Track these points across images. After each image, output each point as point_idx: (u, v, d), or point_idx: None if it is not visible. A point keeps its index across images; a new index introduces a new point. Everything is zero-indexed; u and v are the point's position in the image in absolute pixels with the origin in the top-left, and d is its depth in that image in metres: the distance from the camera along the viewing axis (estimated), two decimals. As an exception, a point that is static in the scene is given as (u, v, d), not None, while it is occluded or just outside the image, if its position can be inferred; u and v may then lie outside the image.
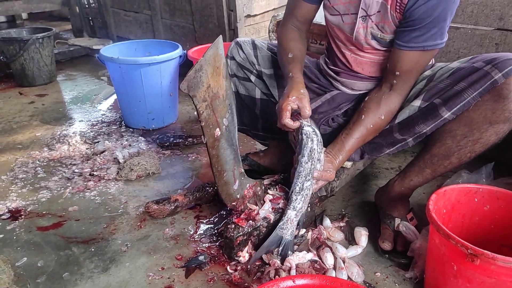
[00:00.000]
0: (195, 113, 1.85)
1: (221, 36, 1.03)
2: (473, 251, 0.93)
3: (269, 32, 2.39)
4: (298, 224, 1.30)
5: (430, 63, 1.38)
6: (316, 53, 2.29)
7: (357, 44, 1.32)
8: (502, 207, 1.16)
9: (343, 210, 1.58)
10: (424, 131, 1.22)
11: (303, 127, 1.23)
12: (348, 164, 1.52)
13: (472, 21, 1.72)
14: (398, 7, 1.15)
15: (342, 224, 1.46)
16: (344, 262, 1.27)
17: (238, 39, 1.52)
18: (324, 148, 1.28)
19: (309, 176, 1.23)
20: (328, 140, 1.49)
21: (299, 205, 1.25)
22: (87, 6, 4.07)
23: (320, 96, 1.46)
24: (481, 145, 1.16)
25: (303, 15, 1.40)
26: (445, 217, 1.19)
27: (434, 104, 1.17)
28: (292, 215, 1.25)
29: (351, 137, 1.29)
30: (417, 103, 1.22)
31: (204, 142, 1.09)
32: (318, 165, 1.25)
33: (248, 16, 2.79)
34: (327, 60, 1.50)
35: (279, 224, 1.26)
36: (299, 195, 1.25)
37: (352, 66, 1.39)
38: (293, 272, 1.21)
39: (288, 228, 1.25)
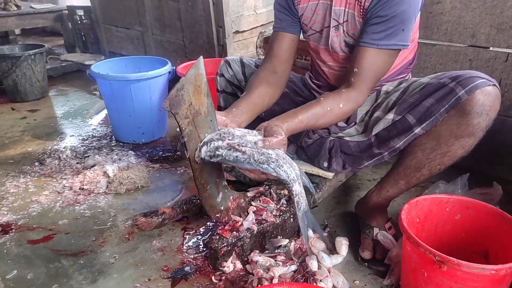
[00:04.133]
0: (177, 129, 1.92)
1: (201, 56, 1.09)
2: (440, 258, 0.99)
3: (256, 48, 2.47)
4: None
5: (407, 77, 1.46)
6: (301, 68, 2.37)
7: (334, 55, 1.41)
8: (472, 216, 1.22)
9: (325, 220, 1.63)
10: (398, 145, 1.28)
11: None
12: (330, 175, 1.58)
13: (446, 38, 1.81)
14: (361, 13, 1.26)
15: (324, 234, 1.51)
16: (330, 272, 1.31)
17: (227, 58, 1.64)
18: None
19: (255, 148, 1.09)
20: (310, 152, 1.55)
21: (289, 170, 1.09)
22: (79, 22, 4.15)
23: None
24: (449, 158, 1.22)
25: (285, 49, 1.43)
26: (418, 226, 1.25)
27: (406, 119, 1.24)
28: (297, 188, 1.12)
29: (305, 110, 1.24)
30: (391, 116, 1.29)
31: (187, 157, 1.14)
32: (251, 137, 1.12)
33: (237, 32, 2.87)
34: (311, 75, 1.59)
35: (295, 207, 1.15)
36: (277, 162, 1.07)
37: (331, 81, 1.48)
38: (275, 281, 1.26)
39: (301, 202, 1.14)
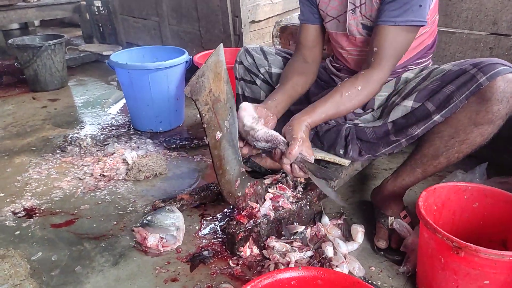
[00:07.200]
0: (198, 115, 1.94)
1: (221, 44, 1.11)
2: (458, 244, 0.99)
3: (272, 38, 2.47)
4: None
5: (427, 63, 1.45)
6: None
7: (352, 39, 1.42)
8: (490, 205, 1.22)
9: (341, 208, 1.64)
10: (416, 133, 1.28)
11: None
12: (346, 162, 1.58)
13: (467, 26, 1.78)
14: None
15: (340, 221, 1.52)
16: (346, 258, 1.33)
17: (247, 46, 1.67)
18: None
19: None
20: (327, 139, 1.56)
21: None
22: (97, 13, 4.20)
23: (322, 92, 1.55)
24: (467, 146, 1.21)
25: (310, 40, 1.51)
26: (436, 214, 1.25)
27: (425, 107, 1.24)
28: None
29: (323, 101, 1.27)
30: (409, 103, 1.28)
31: (207, 143, 1.16)
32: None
33: (253, 21, 2.88)
34: (331, 59, 1.61)
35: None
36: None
37: (351, 65, 1.49)
38: (291, 266, 1.28)
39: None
